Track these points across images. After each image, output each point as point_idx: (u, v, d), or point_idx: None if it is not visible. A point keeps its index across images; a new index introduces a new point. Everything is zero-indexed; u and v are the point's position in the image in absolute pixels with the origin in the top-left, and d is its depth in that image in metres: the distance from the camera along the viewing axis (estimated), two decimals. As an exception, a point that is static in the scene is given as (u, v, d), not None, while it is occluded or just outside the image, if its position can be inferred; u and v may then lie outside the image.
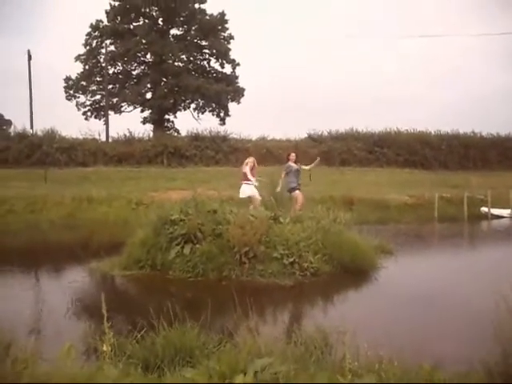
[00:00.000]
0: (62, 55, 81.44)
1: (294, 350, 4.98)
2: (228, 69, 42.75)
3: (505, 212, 23.06)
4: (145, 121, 42.21)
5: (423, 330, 7.04)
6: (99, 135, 35.52)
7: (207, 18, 41.18)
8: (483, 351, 4.13)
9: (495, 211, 23.11)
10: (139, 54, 41.79)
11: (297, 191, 13.61)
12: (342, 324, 5.42)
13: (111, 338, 4.27)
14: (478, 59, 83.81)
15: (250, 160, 13.70)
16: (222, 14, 41.47)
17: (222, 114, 42.60)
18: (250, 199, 13.30)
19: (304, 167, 14.31)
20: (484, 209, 23.39)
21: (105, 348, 4.18)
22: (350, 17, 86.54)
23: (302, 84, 79.43)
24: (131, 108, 42.24)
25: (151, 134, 37.29)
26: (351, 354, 4.23)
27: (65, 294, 9.07)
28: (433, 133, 38.69)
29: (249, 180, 13.30)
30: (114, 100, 41.87)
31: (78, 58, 41.15)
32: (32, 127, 36.21)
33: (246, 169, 13.37)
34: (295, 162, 13.93)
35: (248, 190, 13.32)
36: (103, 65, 40.94)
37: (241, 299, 6.43)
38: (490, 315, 4.04)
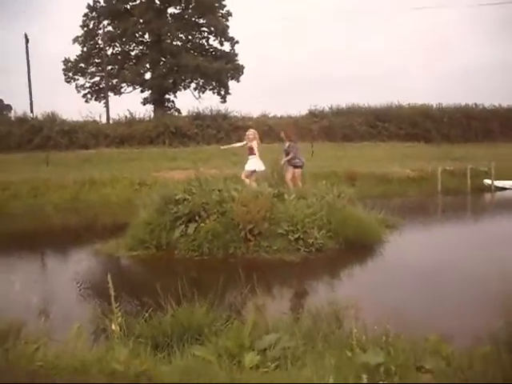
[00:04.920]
0: (60, 37, 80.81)
1: (301, 326, 5.01)
2: (227, 47, 42.43)
3: (508, 183, 22.96)
4: (145, 101, 41.99)
5: (428, 303, 7.07)
6: (100, 117, 35.54)
7: (204, -5, 40.56)
8: (489, 323, 4.15)
9: (498, 183, 23.01)
10: (137, 34, 41.33)
11: (299, 169, 13.35)
12: (349, 299, 5.47)
13: (119, 318, 4.30)
14: (472, 30, 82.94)
15: (251, 133, 12.99)
16: (220, -9, 40.86)
17: (222, 93, 42.26)
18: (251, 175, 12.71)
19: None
20: (487, 181, 23.29)
21: (113, 327, 4.20)
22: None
23: (301, 59, 78.94)
24: (131, 89, 41.97)
25: (152, 115, 37.10)
26: (358, 328, 4.26)
27: (71, 276, 9.12)
28: (434, 106, 38.51)
29: (254, 154, 12.76)
30: (114, 81, 41.60)
31: (75, 39, 40.76)
32: (32, 111, 36.09)
33: (254, 143, 12.75)
34: (291, 140, 13.50)
35: (255, 164, 12.67)
36: (101, 46, 40.61)
37: (247, 276, 6.47)
38: (494, 288, 4.04)
